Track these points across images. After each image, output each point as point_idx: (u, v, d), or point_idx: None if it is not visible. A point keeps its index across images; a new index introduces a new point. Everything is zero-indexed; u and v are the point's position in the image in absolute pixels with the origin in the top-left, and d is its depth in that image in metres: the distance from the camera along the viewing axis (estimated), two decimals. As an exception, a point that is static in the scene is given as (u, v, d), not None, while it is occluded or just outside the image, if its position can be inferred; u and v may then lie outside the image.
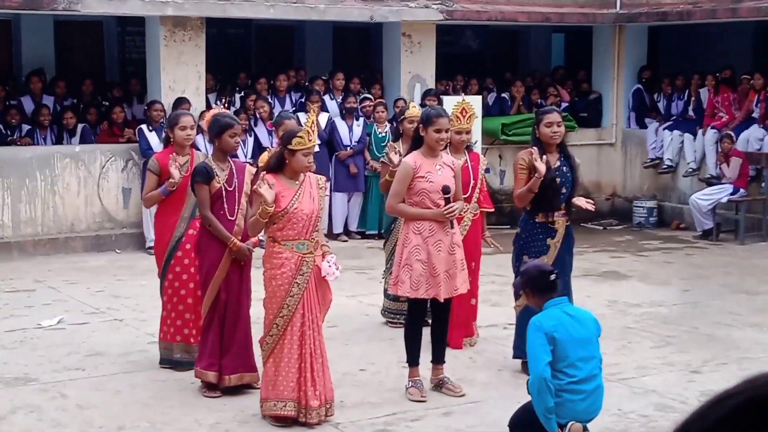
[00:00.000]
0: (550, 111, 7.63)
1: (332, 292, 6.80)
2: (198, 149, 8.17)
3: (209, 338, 7.09)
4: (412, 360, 7.18)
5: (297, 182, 6.47)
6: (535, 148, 7.37)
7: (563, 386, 5.78)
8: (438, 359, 7.30)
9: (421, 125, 7.11)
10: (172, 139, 7.78)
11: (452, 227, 6.99)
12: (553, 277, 5.92)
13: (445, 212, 6.86)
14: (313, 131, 6.48)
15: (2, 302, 10.03)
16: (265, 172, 6.56)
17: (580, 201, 7.62)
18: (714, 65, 15.53)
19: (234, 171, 7.18)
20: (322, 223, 6.91)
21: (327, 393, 6.51)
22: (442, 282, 6.93)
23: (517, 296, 7.60)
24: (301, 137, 6.37)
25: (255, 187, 6.42)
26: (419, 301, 7.08)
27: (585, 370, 5.81)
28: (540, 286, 5.92)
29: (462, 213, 8.33)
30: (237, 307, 7.09)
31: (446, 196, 6.86)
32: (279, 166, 6.46)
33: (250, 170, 7.36)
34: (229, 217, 7.06)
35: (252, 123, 13.62)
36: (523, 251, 7.49)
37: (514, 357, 7.66)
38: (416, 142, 7.20)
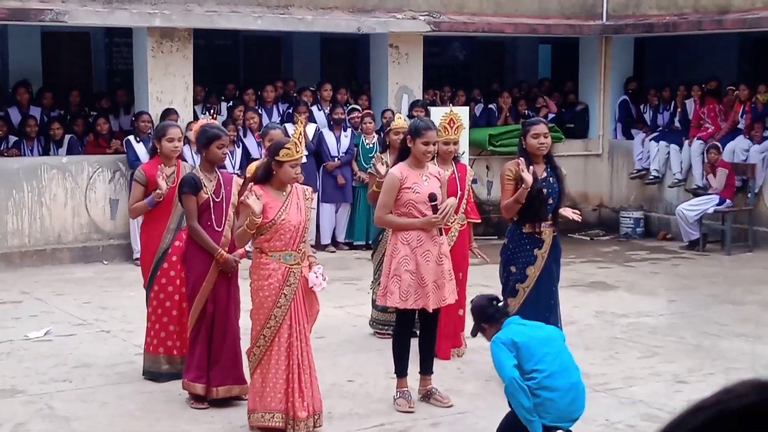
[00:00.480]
0: (536, 122, 7.65)
1: (320, 302, 6.80)
2: (185, 160, 8.16)
3: (196, 350, 7.08)
4: (400, 371, 7.17)
5: (284, 193, 6.48)
6: (521, 159, 7.39)
7: (538, 384, 5.77)
8: (426, 370, 7.29)
9: (409, 136, 7.11)
10: (159, 150, 7.77)
11: (441, 235, 7.01)
12: (498, 302, 6.04)
13: (433, 219, 6.85)
14: (300, 142, 6.49)
15: (-11, 314, 9.99)
16: (252, 183, 6.56)
17: (566, 212, 7.64)
18: (700, 76, 15.60)
19: (221, 182, 7.18)
20: (309, 234, 6.90)
21: (315, 404, 6.51)
22: (431, 292, 6.93)
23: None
24: (288, 148, 6.37)
25: (242, 198, 6.42)
26: (408, 312, 7.07)
27: (555, 363, 5.80)
28: (490, 315, 6.00)
29: (449, 224, 8.35)
30: (225, 319, 7.08)
31: (432, 203, 6.86)
32: (266, 177, 6.47)
33: (238, 181, 7.37)
34: (217, 228, 7.06)
35: (241, 134, 13.63)
36: (510, 262, 7.50)
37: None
38: (403, 153, 7.21)
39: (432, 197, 6.87)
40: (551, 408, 5.81)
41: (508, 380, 5.77)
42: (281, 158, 6.37)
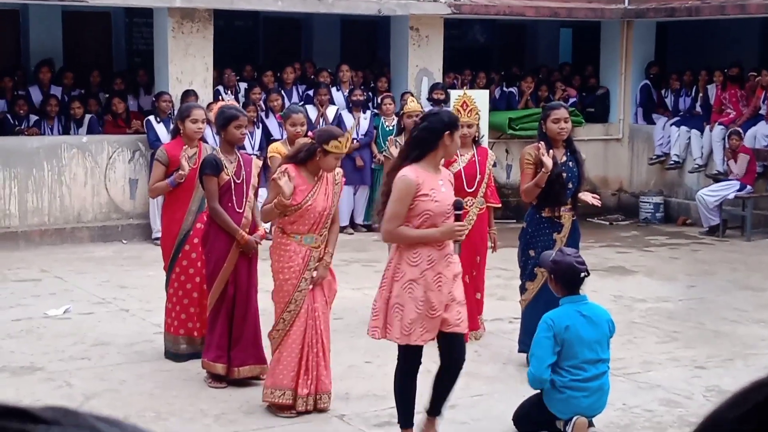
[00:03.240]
0: (557, 107, 7.62)
1: (338, 285, 6.80)
2: (206, 142, 8.16)
3: (216, 330, 7.09)
4: (405, 420, 5.94)
5: (315, 178, 6.47)
6: (542, 143, 7.36)
7: (567, 383, 5.81)
8: (435, 410, 6.00)
9: (448, 132, 5.74)
10: (181, 131, 7.77)
11: (456, 253, 5.79)
12: (582, 276, 5.94)
13: (457, 227, 5.66)
14: (350, 139, 6.54)
15: (8, 292, 10.05)
16: (287, 163, 6.52)
17: (586, 196, 7.62)
18: (722, 61, 15.50)
19: (242, 163, 7.18)
20: (337, 225, 6.84)
21: (320, 384, 6.50)
22: (441, 321, 5.75)
23: (523, 290, 7.61)
24: (339, 142, 6.35)
25: (274, 176, 6.41)
26: (413, 347, 5.82)
27: (590, 372, 5.84)
28: (566, 281, 5.94)
29: (467, 207, 8.34)
30: (246, 300, 7.09)
31: (458, 212, 5.73)
32: (305, 159, 6.44)
33: (257, 163, 7.38)
34: (237, 210, 7.06)
35: (263, 115, 13.63)
36: (529, 246, 7.49)
37: (520, 351, 7.66)
38: (421, 148, 5.77)
39: (458, 205, 5.73)
40: (574, 404, 5.83)
41: (538, 380, 5.81)
42: (330, 149, 6.34)
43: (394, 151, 8.84)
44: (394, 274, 5.69)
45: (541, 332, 5.87)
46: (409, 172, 5.63)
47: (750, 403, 0.87)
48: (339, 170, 6.70)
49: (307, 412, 6.47)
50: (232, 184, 7.09)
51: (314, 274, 6.47)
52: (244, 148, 7.53)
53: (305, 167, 6.44)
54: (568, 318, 5.85)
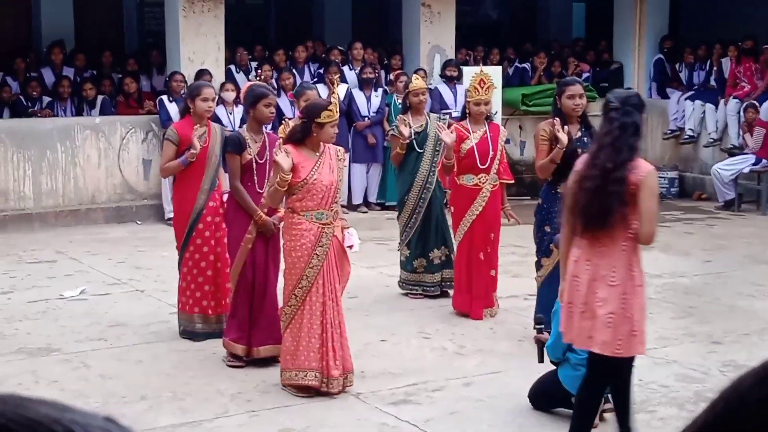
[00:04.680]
0: (572, 83, 7.57)
1: (351, 263, 6.80)
2: (216, 121, 8.15)
3: (238, 311, 7.09)
4: None
5: (317, 153, 6.47)
6: (557, 119, 7.33)
7: (582, 361, 5.79)
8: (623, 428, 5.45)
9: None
10: (191, 110, 7.76)
11: None
12: None
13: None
14: (338, 102, 6.52)
15: (24, 273, 10.09)
16: (283, 143, 6.56)
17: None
18: (736, 35, 15.38)
19: (267, 143, 7.17)
20: (341, 195, 6.88)
21: (345, 364, 6.53)
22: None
23: (538, 266, 7.59)
24: (330, 110, 6.36)
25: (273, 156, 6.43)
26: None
27: None
28: None
29: (481, 184, 8.32)
30: (264, 280, 7.09)
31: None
32: (302, 138, 6.46)
33: (277, 142, 7.37)
34: (258, 190, 7.05)
35: (276, 94, 13.60)
36: (544, 222, 7.47)
37: (535, 324, 7.64)
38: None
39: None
40: None
41: (554, 355, 5.80)
42: (323, 120, 6.35)
43: (404, 130, 8.82)
44: (640, 280, 5.29)
45: (558, 310, 5.85)
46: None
47: None
48: (340, 148, 6.70)
49: (340, 393, 6.48)
50: (254, 163, 7.08)
51: (336, 231, 6.46)
52: (267, 128, 7.50)
53: (304, 146, 6.44)
54: None
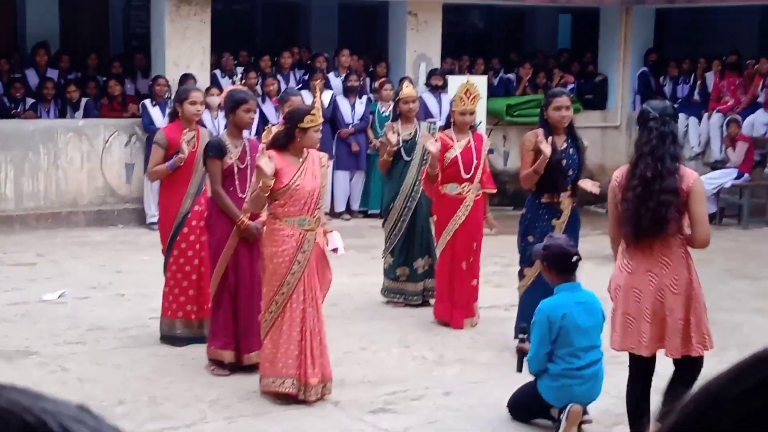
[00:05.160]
0: (559, 94, 7.59)
1: (333, 271, 6.79)
2: (203, 125, 8.13)
3: (220, 318, 7.04)
4: None
5: (300, 159, 6.46)
6: (540, 129, 7.35)
7: (561, 371, 5.80)
8: None
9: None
10: (180, 114, 7.74)
11: None
12: (574, 260, 5.92)
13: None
14: (321, 107, 6.51)
15: (4, 275, 10.03)
16: (265, 148, 6.56)
17: (585, 183, 7.61)
18: (720, 49, 15.47)
19: (247, 148, 7.15)
20: (324, 202, 6.87)
21: (325, 371, 6.51)
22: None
23: (521, 276, 7.59)
24: (313, 114, 6.36)
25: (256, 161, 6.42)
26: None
27: (585, 359, 5.84)
28: (559, 266, 5.92)
29: (464, 193, 8.33)
30: (249, 285, 7.04)
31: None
32: (286, 143, 6.44)
33: (261, 147, 7.35)
34: (240, 195, 7.03)
35: (260, 100, 13.58)
36: (527, 232, 7.49)
37: (517, 333, 7.65)
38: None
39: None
40: (568, 392, 5.83)
41: (534, 368, 5.81)
42: (306, 125, 6.34)
43: (392, 137, 8.82)
44: (698, 282, 5.57)
45: (537, 320, 5.86)
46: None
47: (753, 379, 0.82)
48: (324, 154, 6.70)
49: (317, 401, 6.46)
50: (236, 168, 7.06)
51: (317, 238, 6.45)
52: (248, 133, 7.48)
53: (287, 151, 6.44)
54: (564, 306, 5.83)
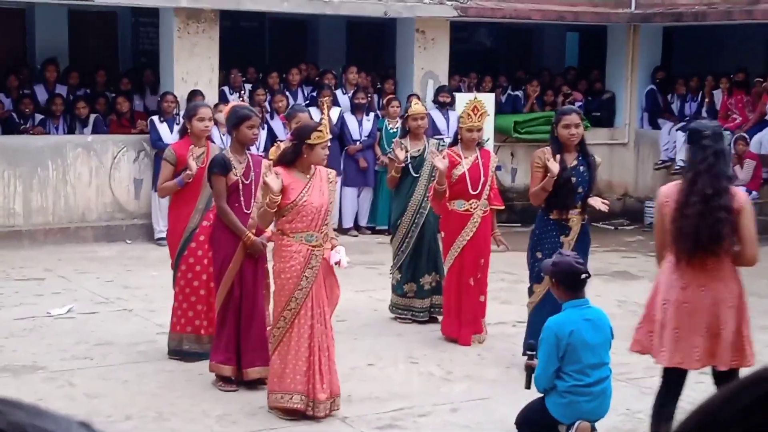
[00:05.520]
0: (569, 112, 7.59)
1: (341, 286, 6.79)
2: (213, 141, 8.15)
3: (224, 333, 7.05)
4: None
5: (308, 176, 6.47)
6: (547, 148, 7.36)
7: (569, 388, 5.78)
8: None
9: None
10: (189, 130, 7.77)
11: None
12: (583, 277, 5.91)
13: None
14: (328, 124, 6.52)
15: (12, 290, 10.05)
16: (273, 164, 6.57)
17: (595, 201, 7.60)
18: (728, 67, 15.47)
19: (251, 164, 7.16)
20: (332, 218, 6.89)
21: (333, 387, 6.51)
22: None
23: (531, 292, 7.59)
24: (320, 131, 6.38)
25: (261, 177, 6.43)
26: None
27: (593, 376, 5.82)
28: (567, 283, 5.91)
29: (472, 210, 8.34)
30: (252, 301, 7.05)
31: None
32: (293, 159, 6.46)
33: (266, 164, 7.35)
34: (245, 211, 7.04)
35: (268, 116, 13.63)
36: (536, 248, 7.49)
37: (525, 351, 7.63)
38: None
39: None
40: (576, 409, 5.81)
41: (541, 387, 5.80)
42: (313, 141, 6.36)
43: (400, 154, 8.84)
44: (745, 297, 5.69)
45: (545, 336, 5.84)
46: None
47: (750, 398, 0.84)
48: (332, 170, 6.71)
49: (326, 416, 6.46)
50: (240, 184, 7.07)
51: (325, 253, 6.45)
52: (249, 149, 7.49)
53: (295, 167, 6.45)
54: (572, 323, 5.82)
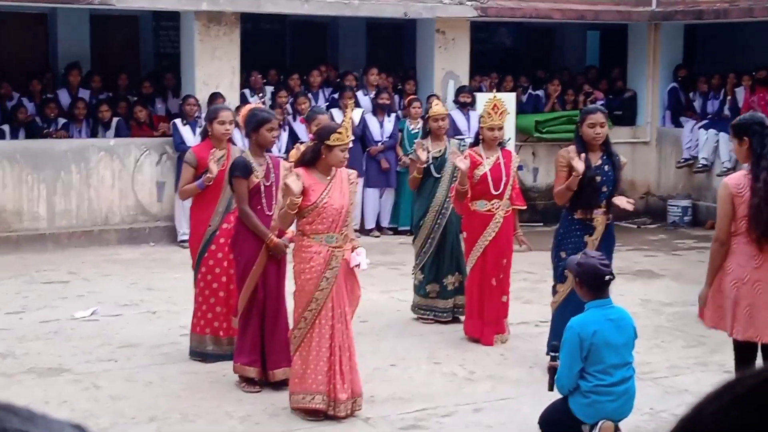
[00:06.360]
0: (593, 111, 7.57)
1: (364, 287, 6.80)
2: (234, 144, 8.18)
3: (248, 334, 7.07)
4: None
5: (328, 177, 6.48)
6: (572, 147, 7.35)
7: (592, 388, 5.78)
8: None
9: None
10: (210, 133, 7.80)
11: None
12: (607, 278, 5.90)
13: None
14: (350, 127, 6.51)
15: (37, 293, 10.11)
16: (293, 166, 6.59)
17: (620, 200, 7.57)
18: (750, 64, 15.38)
19: (270, 166, 7.19)
20: (353, 219, 6.89)
21: (355, 387, 6.52)
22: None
23: (554, 292, 7.58)
24: (339, 133, 6.38)
25: (282, 179, 6.45)
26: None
27: (616, 376, 5.81)
28: (591, 284, 5.91)
29: (494, 210, 8.33)
30: (276, 303, 7.08)
31: None
32: (313, 160, 6.48)
33: (285, 165, 7.37)
34: (267, 212, 7.06)
35: (291, 118, 13.66)
36: (560, 247, 7.47)
37: (549, 351, 7.62)
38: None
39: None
40: (599, 409, 5.80)
41: (563, 388, 5.79)
42: (332, 142, 6.37)
43: (422, 154, 8.84)
44: None
45: (568, 337, 5.83)
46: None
47: (730, 396, 0.89)
48: (353, 171, 6.72)
49: (347, 417, 6.47)
50: (262, 186, 7.09)
51: (345, 254, 6.46)
52: (270, 151, 7.52)
53: (315, 168, 6.47)
54: (595, 323, 5.81)
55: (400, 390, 7.13)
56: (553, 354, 6.12)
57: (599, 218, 7.44)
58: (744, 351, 6.34)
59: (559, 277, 7.47)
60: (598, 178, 7.36)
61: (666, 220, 15.52)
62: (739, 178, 6.25)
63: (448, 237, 8.99)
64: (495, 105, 8.28)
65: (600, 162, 7.39)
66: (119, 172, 13.07)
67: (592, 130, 7.32)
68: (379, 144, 14.02)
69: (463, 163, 8.13)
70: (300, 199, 6.30)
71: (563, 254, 7.35)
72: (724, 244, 6.24)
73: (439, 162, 8.96)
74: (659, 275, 11.62)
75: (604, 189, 7.40)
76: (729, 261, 6.27)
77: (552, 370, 5.99)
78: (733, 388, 0.90)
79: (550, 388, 6.03)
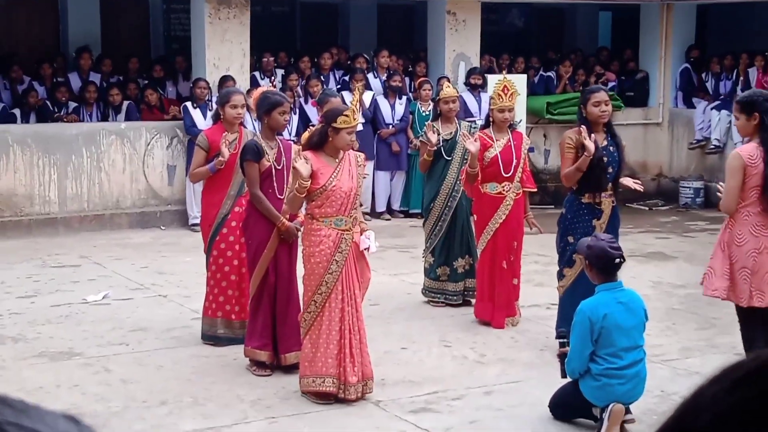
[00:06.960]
0: (597, 90, 7.55)
1: (374, 270, 6.79)
2: (245, 127, 8.16)
3: (259, 318, 7.07)
4: None
5: (336, 160, 6.47)
6: (583, 126, 7.31)
7: (603, 371, 5.77)
8: None
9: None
10: (222, 117, 7.79)
11: None
12: (617, 261, 5.88)
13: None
14: (358, 110, 6.48)
15: (48, 277, 10.14)
16: (302, 149, 6.58)
17: (627, 181, 7.55)
18: (763, 45, 15.29)
19: (282, 149, 7.17)
20: (362, 201, 6.88)
21: (365, 370, 6.51)
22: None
23: (560, 276, 7.55)
24: (346, 116, 6.36)
25: (291, 162, 6.43)
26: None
27: (627, 359, 5.80)
28: (601, 267, 5.89)
29: (504, 192, 8.30)
30: (288, 286, 7.08)
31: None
32: (321, 143, 6.46)
33: (296, 149, 7.35)
34: (278, 196, 7.05)
35: (303, 101, 13.64)
36: (567, 232, 7.43)
37: (557, 337, 7.61)
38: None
39: None
40: (610, 392, 5.79)
41: (572, 372, 5.79)
42: (339, 125, 6.35)
43: (432, 137, 8.81)
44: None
45: (578, 320, 5.82)
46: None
47: (729, 380, 0.89)
48: (361, 154, 6.70)
49: (357, 399, 6.47)
50: (273, 170, 7.07)
51: (354, 237, 6.46)
52: (281, 134, 7.50)
53: (323, 152, 6.45)
54: (605, 306, 5.80)
55: (411, 373, 7.13)
56: (561, 341, 6.11)
57: (606, 201, 7.41)
58: (750, 319, 6.65)
59: (565, 262, 7.44)
60: (605, 159, 7.33)
61: (678, 201, 15.47)
62: (752, 149, 6.45)
63: (459, 220, 8.97)
64: (505, 86, 8.24)
65: (605, 143, 7.37)
66: (130, 156, 13.07)
67: (598, 108, 7.28)
68: (390, 127, 13.99)
69: (473, 146, 8.10)
70: (309, 183, 6.29)
71: (570, 239, 7.32)
72: (729, 212, 6.60)
73: (450, 144, 8.92)
74: (671, 257, 11.58)
75: (610, 170, 7.37)
76: (741, 231, 6.50)
77: (562, 357, 5.97)
78: (732, 372, 0.90)
79: (563, 375, 6.02)
